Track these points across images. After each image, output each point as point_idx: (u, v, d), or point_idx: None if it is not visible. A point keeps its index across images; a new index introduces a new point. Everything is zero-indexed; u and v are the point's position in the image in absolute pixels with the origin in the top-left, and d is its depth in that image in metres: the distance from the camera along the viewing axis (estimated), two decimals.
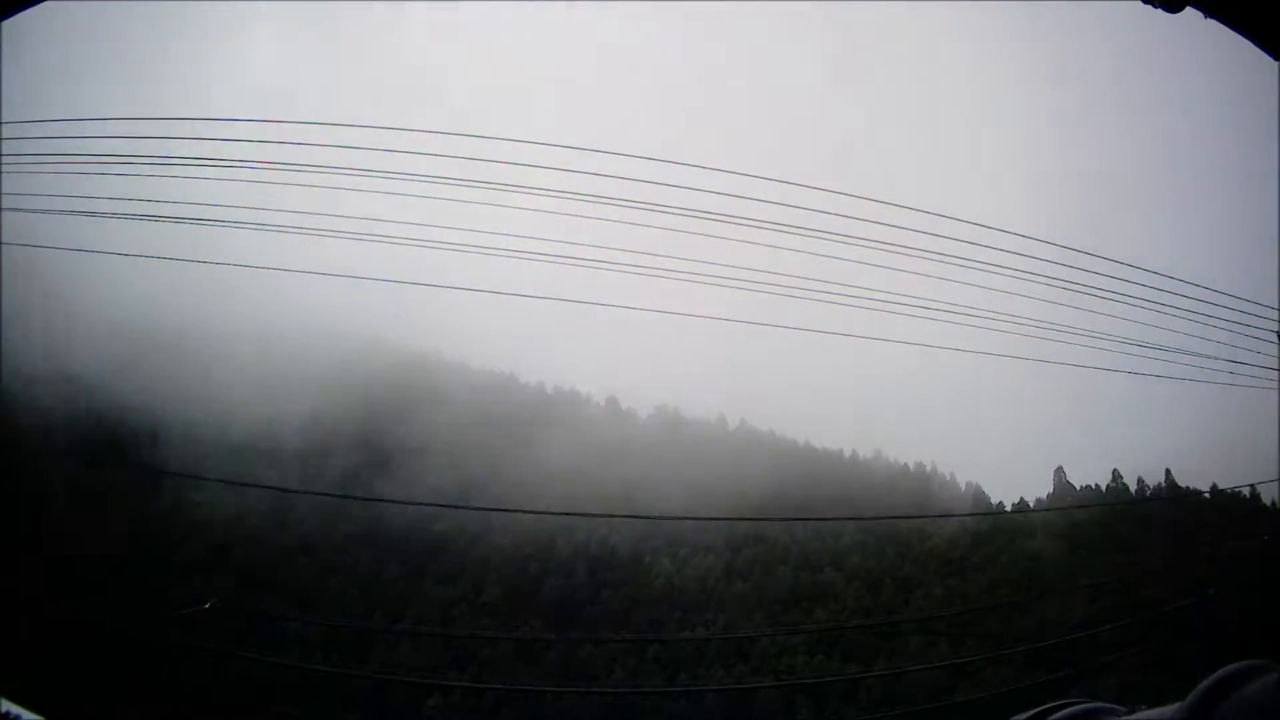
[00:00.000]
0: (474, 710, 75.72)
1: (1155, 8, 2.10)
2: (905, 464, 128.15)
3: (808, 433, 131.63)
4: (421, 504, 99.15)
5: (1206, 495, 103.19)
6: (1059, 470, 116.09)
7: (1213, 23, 2.12)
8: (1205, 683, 1.32)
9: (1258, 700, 1.26)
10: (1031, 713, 1.65)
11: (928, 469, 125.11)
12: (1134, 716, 1.49)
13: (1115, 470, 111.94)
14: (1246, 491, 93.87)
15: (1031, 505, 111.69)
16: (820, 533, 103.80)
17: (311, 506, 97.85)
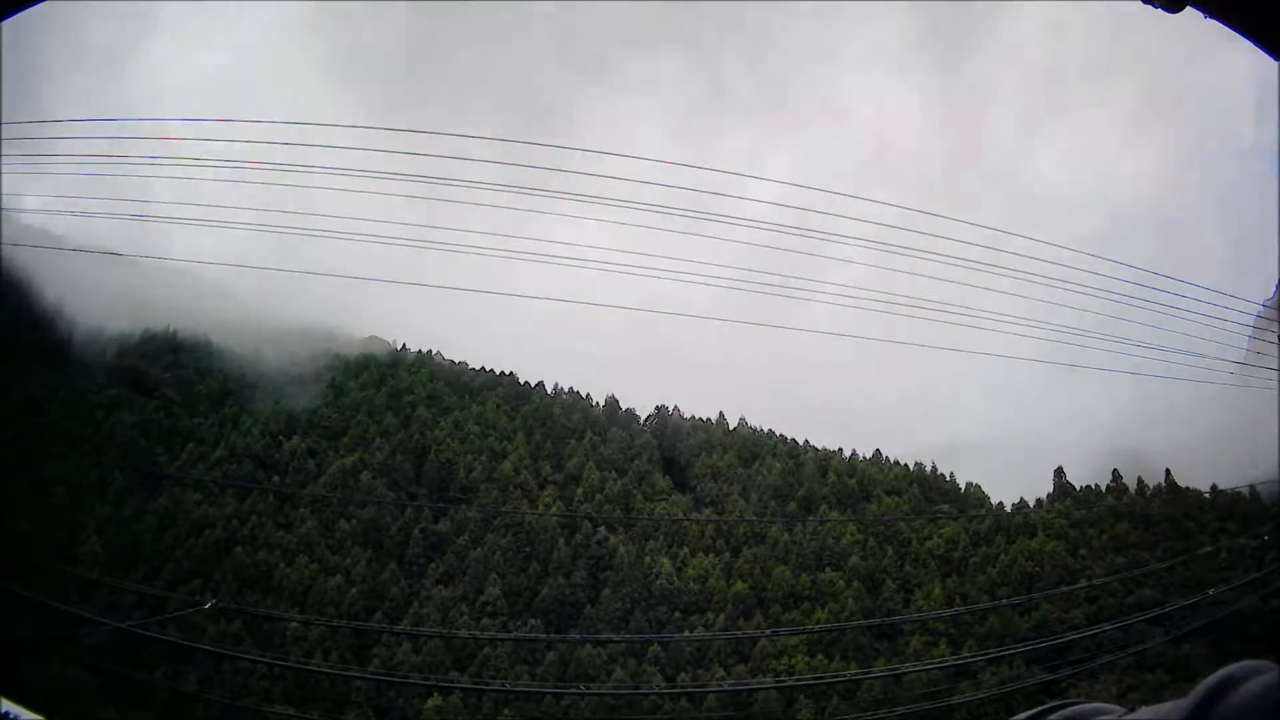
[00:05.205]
0: (474, 710, 75.74)
1: (1155, 8, 2.10)
2: (905, 464, 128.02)
3: (808, 433, 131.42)
4: (421, 504, 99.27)
5: (1206, 495, 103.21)
6: (1059, 470, 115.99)
7: (1212, 23, 2.12)
8: (1205, 683, 1.32)
9: (1258, 700, 1.26)
10: (1031, 713, 1.67)
11: (928, 469, 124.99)
12: (1134, 716, 1.49)
13: (1115, 470, 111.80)
14: (1246, 491, 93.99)
15: (1031, 505, 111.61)
16: (820, 533, 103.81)
17: (312, 506, 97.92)
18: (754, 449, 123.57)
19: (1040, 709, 1.60)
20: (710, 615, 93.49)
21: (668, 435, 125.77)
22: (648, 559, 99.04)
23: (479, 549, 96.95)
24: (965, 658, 72.50)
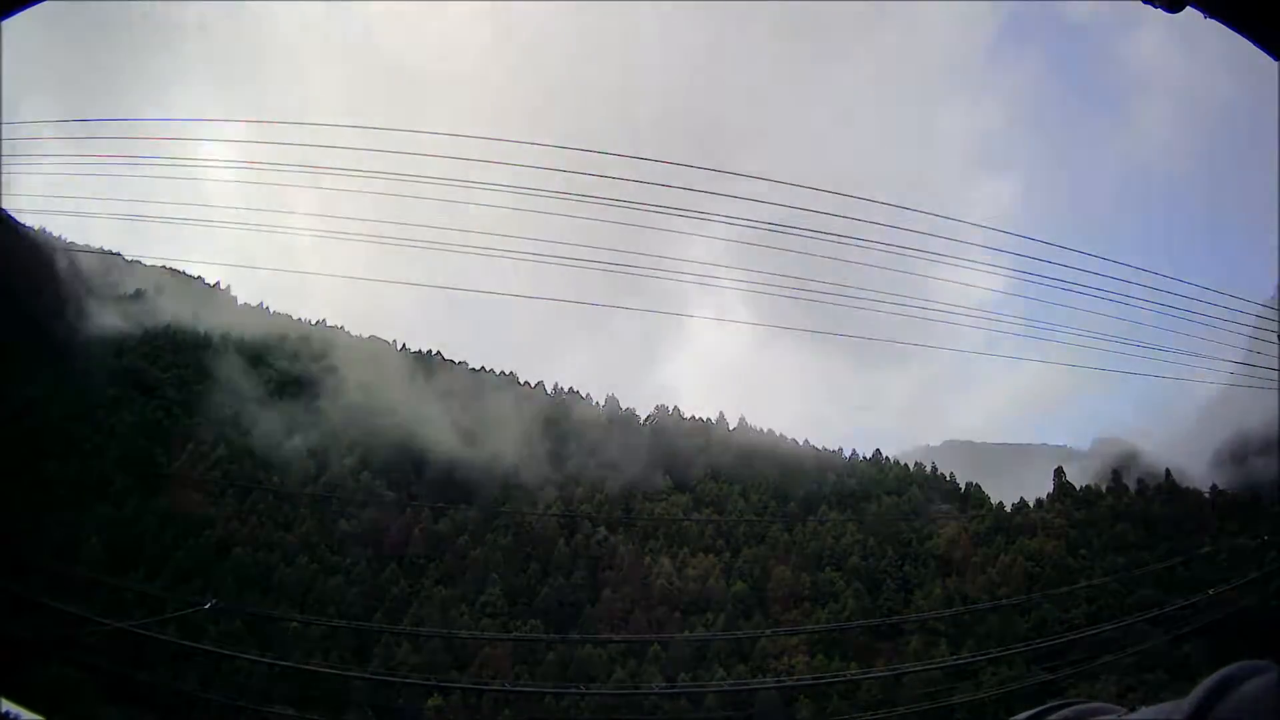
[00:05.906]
0: (474, 710, 75.70)
1: (1155, 7, 2.10)
2: (904, 464, 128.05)
3: (808, 433, 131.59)
4: (421, 504, 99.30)
5: (1206, 495, 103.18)
6: (1059, 470, 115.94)
7: (1212, 23, 2.12)
8: (1205, 683, 1.33)
9: (1258, 700, 1.26)
10: (1031, 712, 1.67)
11: (927, 469, 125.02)
12: (1134, 716, 1.50)
13: (1115, 470, 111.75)
14: (1246, 491, 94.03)
15: (1031, 505, 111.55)
16: (820, 533, 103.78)
17: (312, 506, 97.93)
18: (754, 449, 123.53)
19: (1040, 709, 1.60)
20: (710, 615, 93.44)
21: (668, 435, 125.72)
22: (648, 559, 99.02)
23: (479, 549, 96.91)
24: (965, 658, 72.44)
